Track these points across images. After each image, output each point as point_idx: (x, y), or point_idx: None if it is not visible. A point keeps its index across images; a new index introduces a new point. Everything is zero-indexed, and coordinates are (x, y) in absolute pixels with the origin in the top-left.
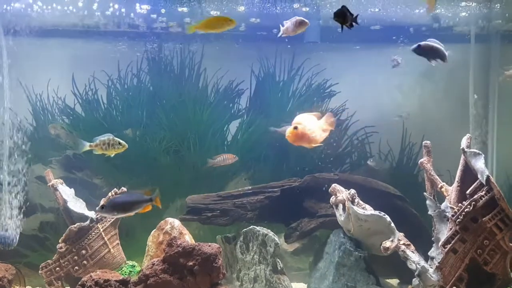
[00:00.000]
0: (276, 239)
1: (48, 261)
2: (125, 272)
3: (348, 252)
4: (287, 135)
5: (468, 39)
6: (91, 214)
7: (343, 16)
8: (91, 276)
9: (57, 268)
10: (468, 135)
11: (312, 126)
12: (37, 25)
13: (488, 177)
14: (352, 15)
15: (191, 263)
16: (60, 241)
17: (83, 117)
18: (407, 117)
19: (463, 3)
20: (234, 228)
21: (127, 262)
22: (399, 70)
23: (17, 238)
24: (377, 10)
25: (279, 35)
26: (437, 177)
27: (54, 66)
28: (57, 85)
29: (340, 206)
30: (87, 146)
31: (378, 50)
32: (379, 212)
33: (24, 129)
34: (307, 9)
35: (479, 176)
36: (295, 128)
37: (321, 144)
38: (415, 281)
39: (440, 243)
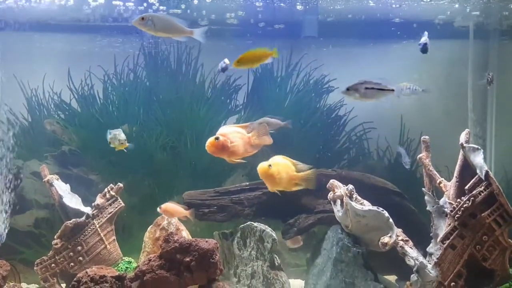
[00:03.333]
0: (274, 234)
1: (44, 257)
2: (121, 268)
3: (346, 248)
4: (206, 145)
5: (466, 35)
6: (87, 210)
7: None
8: (86, 272)
9: (53, 265)
10: (467, 130)
11: (236, 139)
12: (32, 19)
13: (487, 172)
14: None
15: (188, 259)
16: (55, 237)
17: (79, 113)
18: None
19: None
20: (232, 224)
21: (123, 258)
22: (397, 65)
23: (4, 234)
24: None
25: None
26: (435, 172)
27: (50, 61)
28: (53, 80)
29: (338, 202)
30: (108, 138)
31: (375, 45)
32: (377, 208)
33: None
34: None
35: (478, 171)
36: (216, 138)
37: (244, 161)
38: (414, 277)
39: (438, 239)
